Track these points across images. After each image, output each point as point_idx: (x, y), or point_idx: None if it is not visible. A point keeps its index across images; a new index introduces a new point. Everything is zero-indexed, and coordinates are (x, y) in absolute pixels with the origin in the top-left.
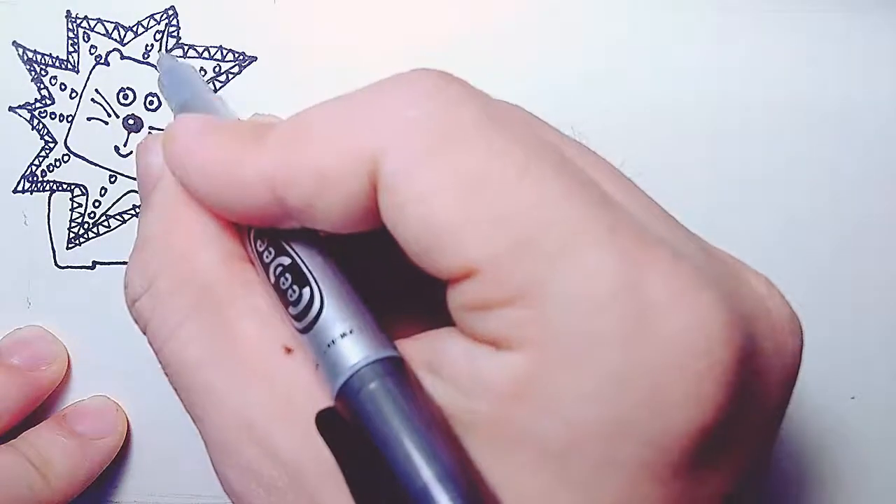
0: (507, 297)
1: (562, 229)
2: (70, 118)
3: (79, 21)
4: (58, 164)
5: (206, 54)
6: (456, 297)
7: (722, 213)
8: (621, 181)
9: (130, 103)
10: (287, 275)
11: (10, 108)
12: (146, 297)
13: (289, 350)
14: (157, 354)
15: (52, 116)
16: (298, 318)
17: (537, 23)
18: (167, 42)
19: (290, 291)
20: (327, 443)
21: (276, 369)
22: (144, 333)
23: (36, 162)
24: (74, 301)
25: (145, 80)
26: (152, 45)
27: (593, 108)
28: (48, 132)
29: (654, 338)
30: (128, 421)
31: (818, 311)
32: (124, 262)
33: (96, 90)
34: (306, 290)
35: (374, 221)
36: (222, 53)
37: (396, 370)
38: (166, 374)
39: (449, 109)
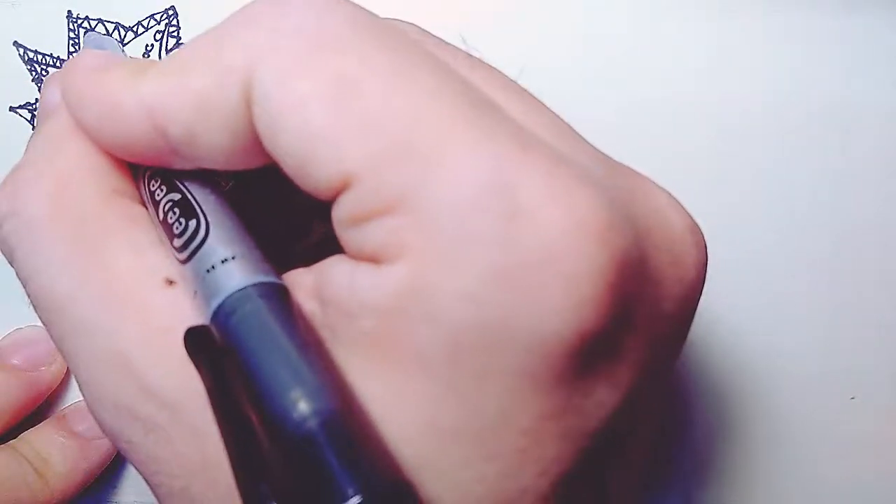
0: (385, 205)
1: (435, 133)
2: None
3: (79, 21)
4: None
5: None
6: (338, 213)
7: (722, 214)
8: (512, 91)
9: None
10: (175, 209)
11: (11, 108)
12: (14, 221)
13: (170, 282)
14: (24, 285)
15: None
16: (182, 248)
17: (537, 22)
18: (167, 42)
19: (176, 224)
20: (194, 362)
21: (154, 301)
22: (10, 262)
23: None
24: None
25: None
26: (152, 45)
27: (593, 108)
28: None
29: (528, 238)
30: None
31: (818, 310)
32: None
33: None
34: (192, 222)
35: (260, 154)
36: None
37: (273, 294)
38: (35, 307)
39: (321, 18)
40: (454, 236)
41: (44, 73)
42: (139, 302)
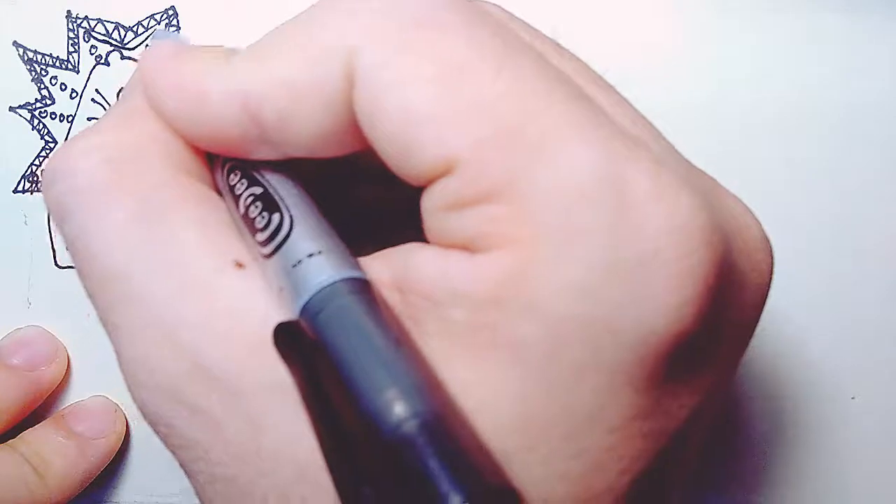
0: (487, 192)
1: (543, 121)
2: (70, 118)
3: (79, 21)
4: None
5: None
6: (433, 198)
7: None
8: (602, 85)
9: None
10: (258, 202)
11: (11, 108)
12: (71, 182)
13: (240, 265)
14: (71, 250)
15: (53, 116)
16: (266, 242)
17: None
18: None
19: (258, 218)
20: (284, 358)
21: (221, 282)
22: (59, 225)
23: (36, 162)
24: (74, 301)
25: None
26: None
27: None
28: (48, 132)
29: (637, 233)
30: (127, 421)
31: (818, 310)
32: None
33: (96, 90)
34: (276, 216)
35: (351, 140)
36: None
37: (362, 290)
38: (81, 275)
39: (425, 2)
40: (562, 226)
41: (43, 73)
42: (203, 279)
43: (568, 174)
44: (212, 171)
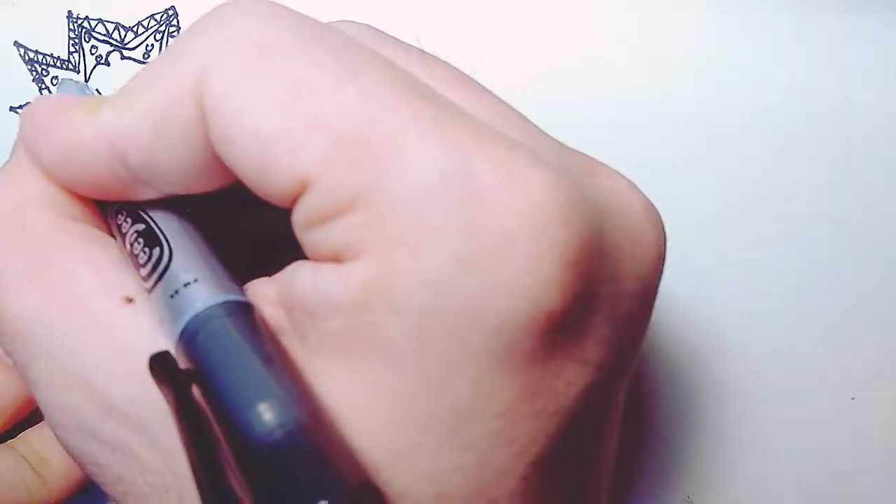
0: (344, 204)
1: (386, 127)
2: None
3: (80, 21)
4: None
5: None
6: (298, 217)
7: (722, 213)
8: (466, 85)
9: None
10: (140, 239)
11: (11, 108)
12: None
13: (129, 300)
14: None
15: None
16: (148, 276)
17: (534, 21)
18: (167, 42)
19: (141, 254)
20: (159, 387)
21: (114, 318)
22: None
23: None
24: None
25: None
26: (152, 46)
27: (593, 109)
28: None
29: (487, 222)
30: None
31: (818, 310)
32: None
33: (97, 90)
34: (156, 249)
35: (222, 171)
36: None
37: (237, 311)
38: None
39: (266, 24)
40: (415, 226)
41: (44, 73)
42: (97, 319)
43: (414, 174)
44: (105, 216)
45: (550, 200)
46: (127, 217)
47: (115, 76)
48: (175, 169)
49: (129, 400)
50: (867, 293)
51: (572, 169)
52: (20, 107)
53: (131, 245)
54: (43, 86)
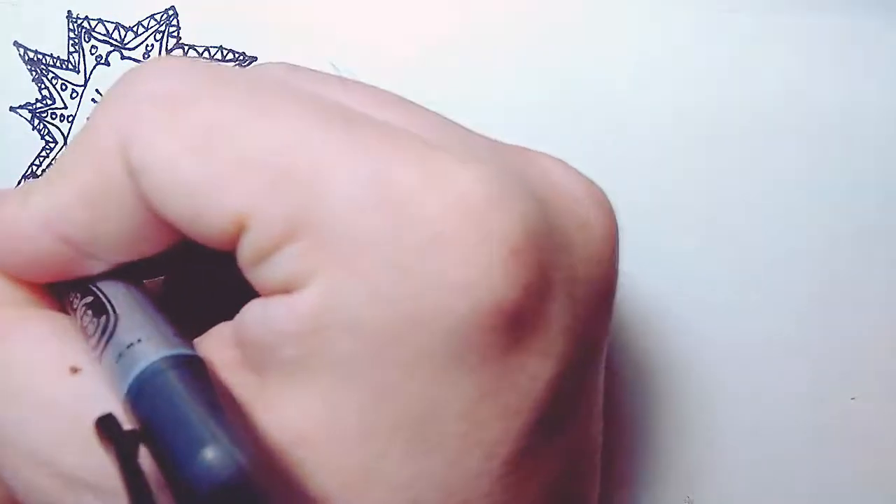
0: (281, 236)
1: (307, 154)
2: (71, 118)
3: (80, 21)
4: None
5: (206, 54)
6: (242, 257)
7: (722, 214)
8: (389, 101)
9: None
10: (89, 311)
11: (11, 108)
12: None
13: (75, 370)
14: None
15: (53, 116)
16: (96, 346)
17: (533, 23)
18: (167, 42)
19: (90, 325)
20: (105, 449)
21: (60, 390)
22: None
23: (36, 162)
24: None
25: None
26: (152, 46)
27: (592, 109)
28: (49, 132)
29: (414, 224)
30: None
31: (818, 310)
32: None
33: (97, 90)
34: (103, 318)
35: (167, 230)
36: (222, 53)
37: (180, 364)
38: None
39: (175, 78)
40: (349, 244)
41: (44, 73)
42: (43, 393)
43: (339, 194)
44: (59, 298)
45: (474, 193)
46: (76, 293)
47: (115, 76)
48: (118, 236)
49: (86, 468)
50: (867, 293)
51: (505, 162)
52: (20, 107)
53: (81, 318)
54: (43, 86)
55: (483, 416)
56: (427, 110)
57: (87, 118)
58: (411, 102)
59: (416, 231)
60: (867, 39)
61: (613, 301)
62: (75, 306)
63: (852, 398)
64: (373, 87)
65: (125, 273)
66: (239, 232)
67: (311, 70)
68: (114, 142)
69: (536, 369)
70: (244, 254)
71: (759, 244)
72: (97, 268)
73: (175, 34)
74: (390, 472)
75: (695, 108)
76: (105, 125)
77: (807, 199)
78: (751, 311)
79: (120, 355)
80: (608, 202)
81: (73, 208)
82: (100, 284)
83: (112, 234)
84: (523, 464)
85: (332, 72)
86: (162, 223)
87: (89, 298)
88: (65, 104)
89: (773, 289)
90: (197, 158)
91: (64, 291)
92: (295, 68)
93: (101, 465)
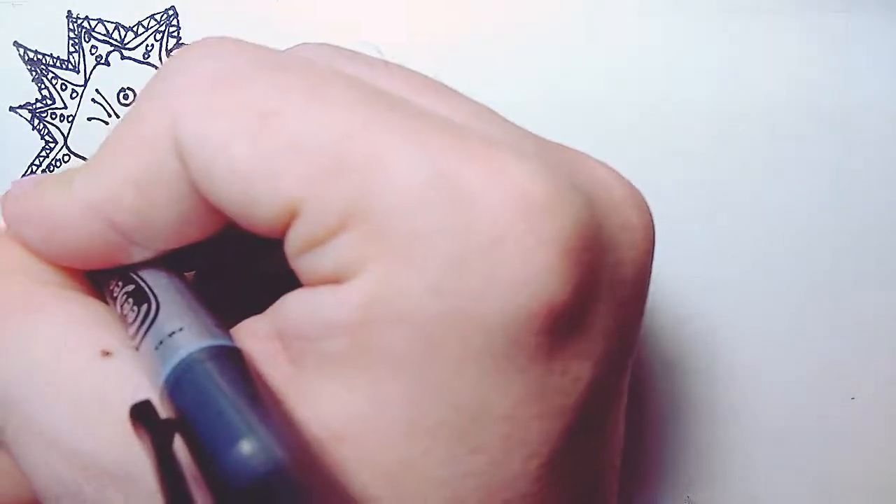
0: (334, 224)
1: (364, 142)
2: (71, 118)
3: (79, 21)
4: (58, 164)
5: None
6: (291, 246)
7: (722, 213)
8: (434, 89)
9: (131, 103)
10: (130, 299)
11: (11, 108)
12: None
13: (106, 353)
14: None
15: (53, 116)
16: (135, 334)
17: (533, 23)
18: (167, 42)
19: (130, 313)
20: (138, 436)
21: (87, 372)
22: None
23: (36, 162)
24: None
25: (146, 81)
26: (153, 46)
27: (592, 109)
28: (49, 132)
29: (477, 221)
30: None
31: (818, 310)
32: None
33: (97, 90)
34: (144, 306)
35: (213, 216)
36: None
37: (220, 355)
38: None
39: (223, 61)
40: (407, 236)
41: (44, 73)
42: (69, 374)
43: (398, 185)
44: (100, 288)
45: (535, 192)
46: (118, 281)
47: (115, 76)
48: (166, 222)
49: (109, 455)
50: (867, 293)
51: (555, 161)
52: (20, 107)
53: (121, 306)
54: (43, 85)
55: (527, 417)
56: (475, 102)
57: (132, 103)
58: (457, 92)
59: (478, 228)
60: (867, 39)
61: (645, 305)
62: (115, 294)
63: (852, 398)
64: (417, 73)
65: (165, 261)
66: (291, 219)
67: (356, 52)
68: (164, 125)
69: (579, 371)
70: (294, 241)
71: (757, 244)
72: (139, 255)
73: (175, 34)
74: (432, 469)
75: (695, 108)
76: (154, 108)
77: (806, 200)
78: (750, 311)
79: (160, 342)
80: (646, 204)
81: (122, 193)
82: (141, 273)
83: (160, 219)
84: (561, 464)
85: (376, 55)
86: (211, 209)
87: (130, 287)
88: (65, 104)
89: (772, 289)
90: (251, 142)
91: (103, 280)
92: (338, 50)
93: (127, 453)
